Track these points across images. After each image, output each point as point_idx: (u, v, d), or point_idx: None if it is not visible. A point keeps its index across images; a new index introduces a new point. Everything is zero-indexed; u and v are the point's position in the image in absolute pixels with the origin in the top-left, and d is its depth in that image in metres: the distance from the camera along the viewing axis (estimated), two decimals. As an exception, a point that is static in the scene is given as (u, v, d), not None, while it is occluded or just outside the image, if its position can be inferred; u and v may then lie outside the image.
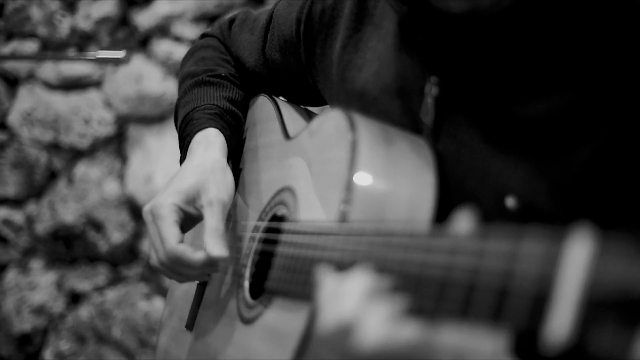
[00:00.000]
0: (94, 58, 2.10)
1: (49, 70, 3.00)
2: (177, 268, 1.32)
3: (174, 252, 1.27)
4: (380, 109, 1.20)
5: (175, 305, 1.65)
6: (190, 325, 1.50)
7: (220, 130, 1.43)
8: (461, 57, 1.11)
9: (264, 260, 1.29)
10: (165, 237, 1.28)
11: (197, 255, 1.28)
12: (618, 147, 0.98)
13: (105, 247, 3.00)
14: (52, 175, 3.08)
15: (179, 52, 2.87)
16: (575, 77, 1.01)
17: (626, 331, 0.57)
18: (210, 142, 1.40)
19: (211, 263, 1.29)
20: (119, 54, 2.06)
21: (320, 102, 1.44)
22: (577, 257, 0.60)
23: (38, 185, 3.08)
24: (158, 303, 3.02)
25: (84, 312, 3.05)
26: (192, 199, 1.32)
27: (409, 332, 0.77)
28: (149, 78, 2.82)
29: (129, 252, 3.05)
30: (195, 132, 1.42)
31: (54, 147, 3.03)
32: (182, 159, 1.46)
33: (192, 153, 1.40)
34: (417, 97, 1.15)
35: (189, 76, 1.55)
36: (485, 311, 0.68)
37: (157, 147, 2.81)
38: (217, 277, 1.45)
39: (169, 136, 2.79)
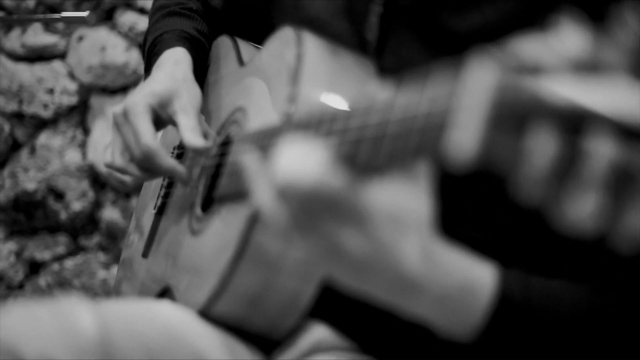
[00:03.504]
0: (59, 17, 2.16)
1: (14, 40, 3.04)
2: (144, 165, 1.33)
3: (148, 148, 1.29)
4: (330, 33, 1.26)
5: (134, 246, 1.70)
6: (145, 254, 1.56)
7: (188, 51, 1.48)
8: None
9: (218, 174, 1.35)
10: (142, 132, 1.29)
11: (168, 161, 1.32)
12: None
13: (65, 215, 3.04)
14: (15, 145, 3.12)
15: (143, 23, 2.92)
16: None
17: (519, 134, 0.62)
18: (179, 59, 1.44)
19: (175, 173, 1.34)
20: (83, 13, 2.12)
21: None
22: (480, 77, 0.63)
23: (1, 155, 3.12)
24: (115, 271, 3.06)
25: (43, 281, 3.09)
26: (165, 104, 1.35)
27: (340, 178, 0.77)
28: (112, 48, 2.88)
29: (89, 221, 3.09)
30: (164, 50, 1.47)
31: (17, 117, 3.07)
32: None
33: (161, 66, 1.43)
34: (363, 17, 1.23)
35: (161, 8, 1.61)
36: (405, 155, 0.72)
37: (119, 117, 2.87)
38: (175, 205, 1.51)
39: (131, 107, 2.85)
